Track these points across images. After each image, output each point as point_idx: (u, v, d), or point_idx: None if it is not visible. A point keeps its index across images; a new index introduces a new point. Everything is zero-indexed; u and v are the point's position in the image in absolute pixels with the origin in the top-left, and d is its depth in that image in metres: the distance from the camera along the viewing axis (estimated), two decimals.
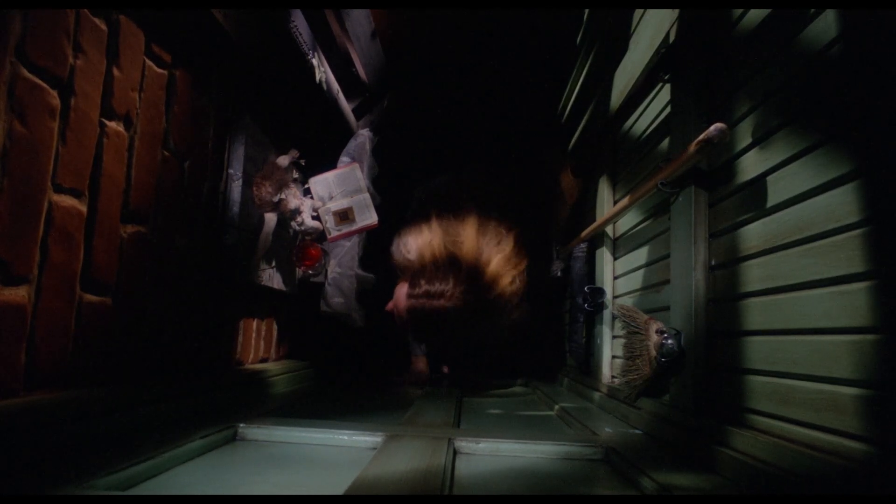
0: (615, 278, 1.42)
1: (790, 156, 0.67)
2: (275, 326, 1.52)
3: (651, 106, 1.19)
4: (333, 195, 1.51)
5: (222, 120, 1.15)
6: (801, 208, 0.65)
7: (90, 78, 0.74)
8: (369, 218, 1.53)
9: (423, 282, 1.38)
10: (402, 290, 1.45)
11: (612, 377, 1.37)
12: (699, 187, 0.89)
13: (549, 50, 1.91)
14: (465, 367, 2.02)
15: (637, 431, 0.98)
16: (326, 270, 1.62)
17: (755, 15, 0.78)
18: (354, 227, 1.52)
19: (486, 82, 2.21)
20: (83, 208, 0.74)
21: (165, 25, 0.91)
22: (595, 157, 1.59)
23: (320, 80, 1.43)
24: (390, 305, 1.51)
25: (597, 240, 1.52)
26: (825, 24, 0.61)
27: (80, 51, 0.72)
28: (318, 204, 1.49)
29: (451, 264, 1.40)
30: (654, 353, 0.95)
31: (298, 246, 1.50)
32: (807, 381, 0.62)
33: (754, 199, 0.75)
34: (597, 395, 1.31)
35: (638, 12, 1.25)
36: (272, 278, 1.40)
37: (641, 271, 1.21)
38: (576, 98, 1.76)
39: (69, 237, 0.71)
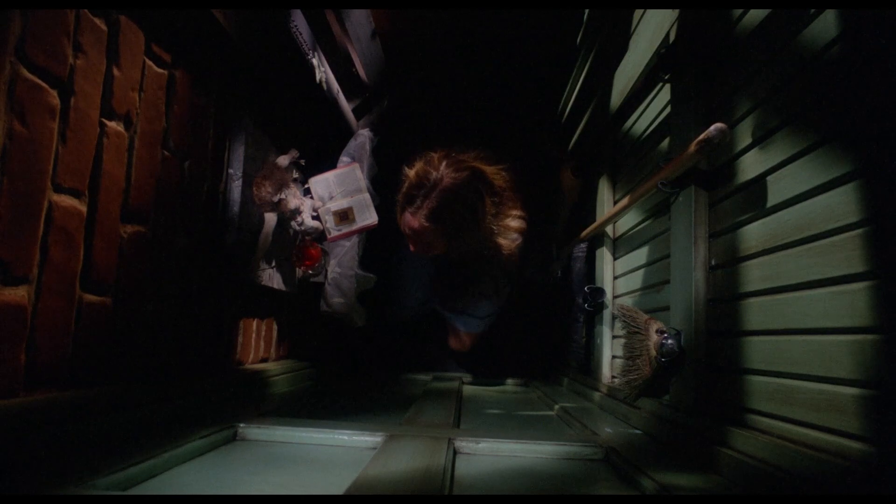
0: (615, 278, 1.42)
1: (790, 156, 0.67)
2: (275, 326, 1.52)
3: (651, 106, 1.19)
4: (333, 195, 1.51)
5: (222, 120, 1.15)
6: (801, 208, 0.65)
7: (90, 78, 0.74)
8: (369, 218, 1.53)
9: (414, 191, 1.33)
10: (400, 221, 1.41)
11: (612, 377, 1.37)
12: (699, 187, 0.88)
13: (549, 50, 1.91)
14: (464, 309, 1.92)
15: (637, 431, 0.98)
16: (326, 270, 1.62)
17: (755, 15, 0.78)
18: (354, 227, 1.52)
19: (487, 82, 2.21)
20: (83, 208, 0.74)
21: (165, 25, 0.91)
22: (595, 157, 1.59)
23: (320, 80, 1.43)
24: (410, 240, 1.45)
25: (597, 240, 1.52)
26: (825, 24, 0.61)
27: (80, 51, 0.72)
28: (318, 204, 1.49)
29: (429, 163, 1.35)
30: (654, 352, 0.95)
31: (298, 246, 1.50)
32: (807, 381, 0.62)
33: (754, 199, 0.75)
34: (597, 395, 1.31)
35: (638, 12, 1.25)
36: (272, 278, 1.40)
37: (641, 271, 1.21)
38: (576, 98, 1.76)
39: (69, 237, 0.71)
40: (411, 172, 1.36)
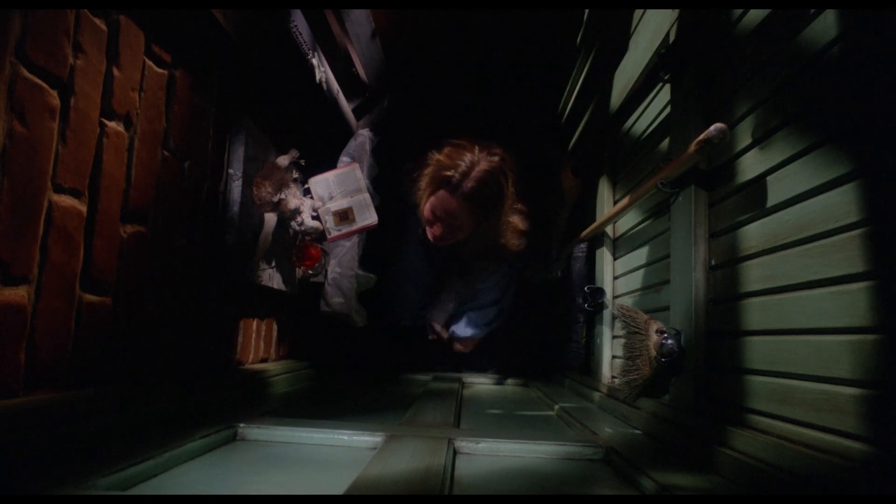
0: (615, 278, 1.42)
1: (790, 156, 0.67)
2: (275, 326, 1.52)
3: (651, 106, 1.19)
4: (333, 195, 1.51)
5: (222, 120, 1.15)
6: (801, 208, 0.65)
7: (90, 78, 0.74)
8: (369, 218, 1.53)
9: (449, 172, 1.38)
10: (429, 203, 1.45)
11: (612, 377, 1.37)
12: (699, 187, 0.88)
13: (549, 50, 1.91)
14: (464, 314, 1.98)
15: (637, 431, 0.98)
16: (326, 270, 1.62)
17: (755, 15, 0.78)
18: (354, 227, 1.52)
19: (487, 82, 2.21)
20: (83, 208, 0.74)
21: (165, 25, 0.91)
22: (595, 157, 1.60)
23: (320, 80, 1.43)
24: (430, 219, 1.48)
25: (597, 240, 1.52)
26: (825, 24, 0.61)
27: (80, 51, 0.72)
28: (318, 204, 1.49)
29: (460, 147, 1.42)
30: (654, 353, 0.95)
31: (298, 246, 1.50)
32: (807, 381, 0.62)
33: (754, 199, 0.75)
34: (597, 395, 1.31)
35: (638, 12, 1.25)
36: (272, 278, 1.40)
37: (641, 271, 1.21)
38: (576, 98, 1.76)
39: (69, 237, 0.71)
40: (440, 156, 1.41)
